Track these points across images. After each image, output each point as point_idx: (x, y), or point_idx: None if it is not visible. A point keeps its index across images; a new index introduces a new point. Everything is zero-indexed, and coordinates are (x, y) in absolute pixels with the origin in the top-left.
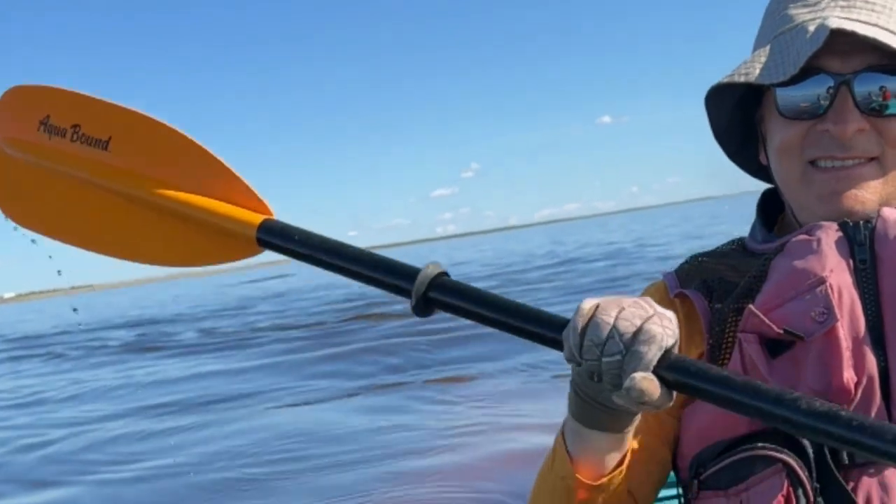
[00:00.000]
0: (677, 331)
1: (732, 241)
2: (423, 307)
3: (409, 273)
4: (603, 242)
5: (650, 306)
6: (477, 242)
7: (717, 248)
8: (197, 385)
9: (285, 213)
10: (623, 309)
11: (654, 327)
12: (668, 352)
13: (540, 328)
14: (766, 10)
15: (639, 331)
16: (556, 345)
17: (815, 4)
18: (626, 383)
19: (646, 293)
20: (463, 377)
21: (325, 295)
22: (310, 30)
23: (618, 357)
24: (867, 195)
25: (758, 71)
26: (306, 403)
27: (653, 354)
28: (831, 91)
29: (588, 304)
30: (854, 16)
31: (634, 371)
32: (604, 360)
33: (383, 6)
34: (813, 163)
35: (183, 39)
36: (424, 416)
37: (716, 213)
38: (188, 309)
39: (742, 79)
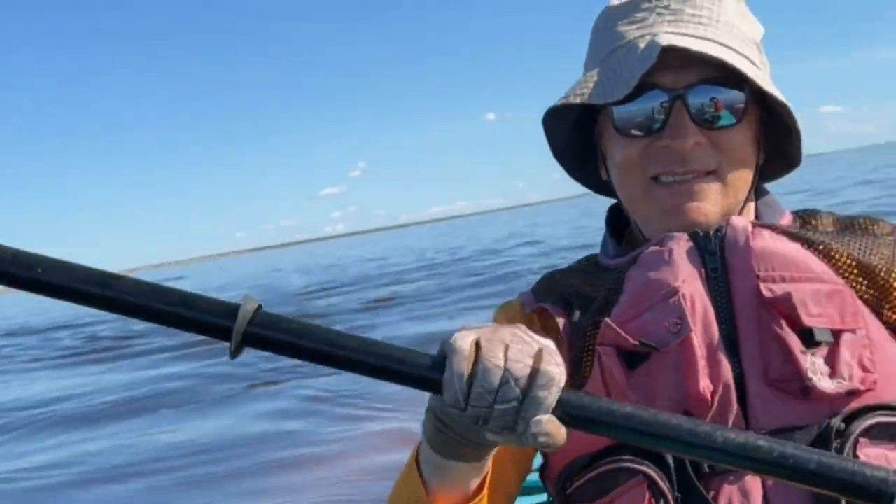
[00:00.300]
0: (562, 361)
1: (585, 258)
2: (241, 348)
3: (221, 310)
4: (498, 238)
5: (531, 338)
6: (369, 241)
7: (571, 264)
8: (65, 396)
9: (170, 219)
10: (508, 346)
11: (551, 368)
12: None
13: (400, 367)
14: (593, 29)
15: (535, 373)
16: (427, 386)
17: (642, 21)
18: (532, 429)
19: (500, 311)
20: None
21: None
22: (189, 28)
23: (514, 404)
24: (709, 207)
25: (593, 91)
26: (173, 408)
27: (553, 398)
28: (666, 106)
29: (465, 341)
30: (683, 30)
31: (534, 416)
32: (497, 407)
33: (267, 4)
34: (654, 178)
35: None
36: (302, 423)
37: (597, 211)
38: (67, 315)
39: (578, 99)
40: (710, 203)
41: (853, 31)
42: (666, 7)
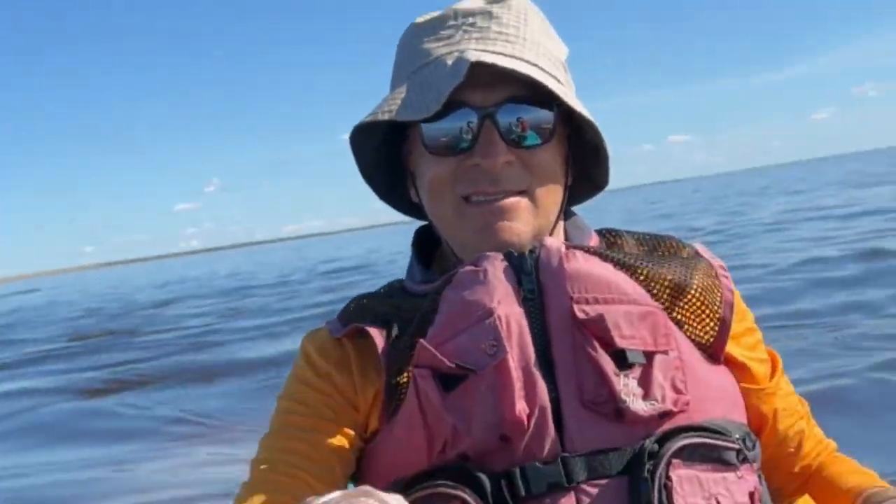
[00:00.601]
0: None
1: (391, 283)
2: None
3: None
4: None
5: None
6: (224, 257)
7: (379, 289)
8: None
9: (11, 233)
10: None
11: None
12: None
13: None
14: (399, 46)
15: None
16: None
17: (449, 38)
18: None
19: (309, 340)
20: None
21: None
22: (37, 34)
23: None
24: (521, 227)
25: (401, 108)
26: None
27: None
28: (475, 125)
29: None
30: (490, 48)
31: None
32: None
33: (115, 9)
34: (466, 198)
35: None
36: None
37: None
38: None
39: (386, 116)
40: (522, 223)
41: (700, 64)
42: (472, 25)
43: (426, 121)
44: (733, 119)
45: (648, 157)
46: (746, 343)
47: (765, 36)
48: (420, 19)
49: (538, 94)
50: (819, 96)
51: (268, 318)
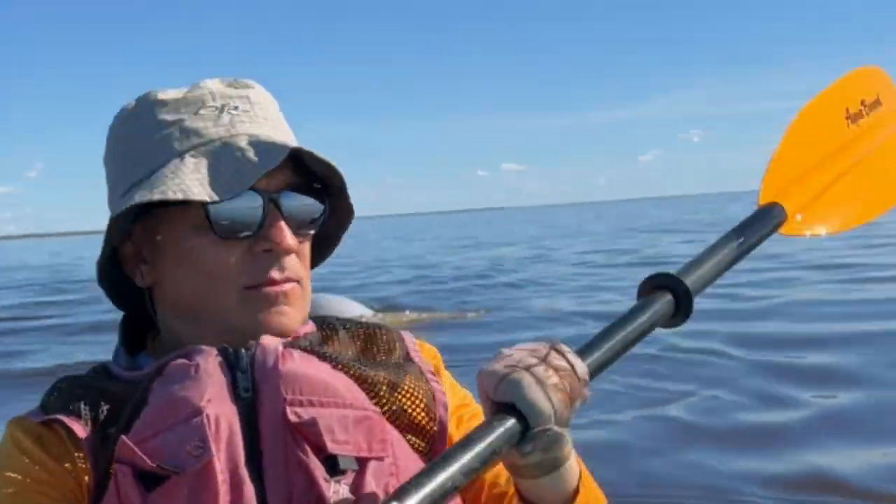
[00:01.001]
0: None
1: (95, 367)
2: None
3: None
4: None
5: None
6: (45, 246)
7: (87, 373)
8: None
9: None
10: None
11: None
12: None
13: None
14: (134, 118)
15: None
16: None
17: (217, 119)
18: None
19: (17, 429)
20: None
21: None
22: None
23: None
24: (295, 314)
25: (195, 188)
26: None
27: None
28: (262, 210)
29: None
30: (266, 131)
31: None
32: None
33: None
34: (250, 286)
35: None
36: None
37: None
38: None
39: (180, 195)
40: (296, 309)
41: (538, 96)
42: (235, 108)
43: (214, 203)
44: (566, 153)
45: (482, 183)
46: (465, 416)
47: (598, 77)
48: (163, 95)
49: (307, 184)
50: (647, 139)
51: (67, 319)
